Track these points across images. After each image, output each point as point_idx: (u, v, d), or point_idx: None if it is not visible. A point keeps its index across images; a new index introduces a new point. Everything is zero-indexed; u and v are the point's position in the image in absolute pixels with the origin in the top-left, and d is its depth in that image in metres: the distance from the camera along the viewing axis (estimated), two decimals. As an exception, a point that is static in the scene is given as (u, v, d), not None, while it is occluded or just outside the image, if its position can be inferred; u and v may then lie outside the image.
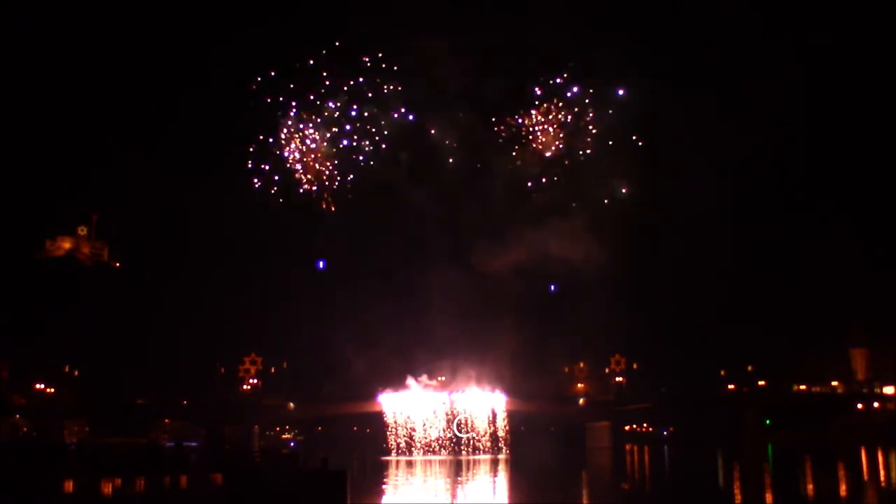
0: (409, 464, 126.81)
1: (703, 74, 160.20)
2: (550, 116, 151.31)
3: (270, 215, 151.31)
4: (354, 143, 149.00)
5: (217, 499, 56.44)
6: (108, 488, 49.87)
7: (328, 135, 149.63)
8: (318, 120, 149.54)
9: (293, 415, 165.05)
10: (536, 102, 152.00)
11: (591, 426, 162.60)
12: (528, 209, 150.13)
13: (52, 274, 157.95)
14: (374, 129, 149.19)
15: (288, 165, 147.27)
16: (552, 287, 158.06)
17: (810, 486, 79.23)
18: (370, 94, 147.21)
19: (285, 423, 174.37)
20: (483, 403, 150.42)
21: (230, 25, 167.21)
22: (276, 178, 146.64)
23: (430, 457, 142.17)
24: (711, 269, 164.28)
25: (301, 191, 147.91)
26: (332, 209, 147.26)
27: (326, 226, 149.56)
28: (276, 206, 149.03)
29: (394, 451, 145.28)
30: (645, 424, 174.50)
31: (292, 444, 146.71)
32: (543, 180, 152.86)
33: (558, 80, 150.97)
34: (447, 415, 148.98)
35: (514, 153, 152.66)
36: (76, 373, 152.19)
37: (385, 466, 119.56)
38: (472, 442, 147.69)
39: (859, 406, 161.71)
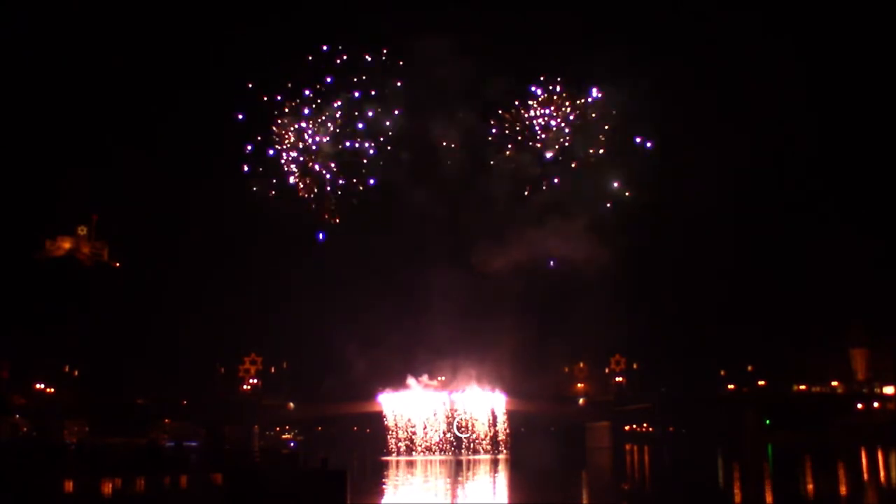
0: (410, 464, 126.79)
1: (703, 74, 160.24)
2: (550, 116, 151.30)
3: (270, 216, 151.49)
4: (357, 145, 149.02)
5: (217, 499, 56.44)
6: (108, 488, 49.86)
7: (328, 136, 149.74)
8: (318, 120, 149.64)
9: (293, 415, 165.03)
10: (536, 103, 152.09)
11: (591, 426, 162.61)
12: (529, 209, 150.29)
13: (52, 274, 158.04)
14: (375, 129, 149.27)
15: (285, 168, 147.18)
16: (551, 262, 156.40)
17: (810, 486, 79.22)
18: (373, 93, 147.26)
19: (285, 423, 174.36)
20: (483, 403, 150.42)
21: (230, 25, 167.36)
22: (274, 182, 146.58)
23: (430, 457, 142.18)
24: (711, 269, 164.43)
25: (301, 196, 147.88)
26: (336, 220, 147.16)
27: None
28: (276, 208, 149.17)
29: (394, 451, 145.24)
30: (645, 424, 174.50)
31: (292, 444, 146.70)
32: (543, 181, 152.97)
33: (558, 80, 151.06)
34: (447, 415, 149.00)
35: (514, 153, 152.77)
36: (76, 373, 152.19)
37: (385, 466, 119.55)
38: (472, 442, 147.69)
39: (859, 406, 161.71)
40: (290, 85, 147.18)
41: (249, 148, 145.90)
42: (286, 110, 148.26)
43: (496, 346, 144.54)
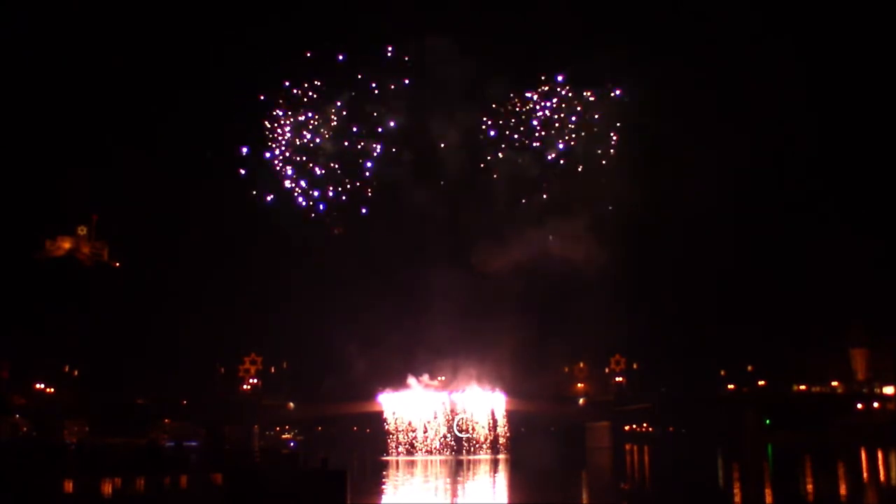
0: (410, 464, 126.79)
1: (703, 74, 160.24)
2: (550, 114, 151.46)
3: (270, 218, 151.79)
4: (361, 146, 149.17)
5: (217, 499, 56.44)
6: (108, 488, 49.82)
7: (328, 136, 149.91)
8: (318, 120, 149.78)
9: (293, 415, 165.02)
10: (536, 100, 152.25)
11: (591, 426, 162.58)
12: (529, 209, 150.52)
13: (52, 274, 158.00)
14: (377, 129, 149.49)
15: (284, 171, 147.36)
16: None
17: (810, 486, 79.22)
18: (375, 92, 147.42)
19: (285, 423, 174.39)
20: (483, 403, 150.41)
21: (230, 25, 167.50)
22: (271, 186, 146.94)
23: (430, 457, 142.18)
24: (711, 269, 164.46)
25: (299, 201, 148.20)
26: (340, 231, 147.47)
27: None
28: (275, 211, 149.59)
29: (394, 451, 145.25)
30: (645, 424, 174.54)
31: (292, 444, 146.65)
32: (544, 182, 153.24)
33: (558, 79, 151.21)
34: (447, 415, 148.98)
35: (514, 153, 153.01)
36: (76, 373, 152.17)
37: (385, 466, 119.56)
38: (471, 442, 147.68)
39: (859, 406, 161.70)
40: (288, 84, 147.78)
41: (245, 150, 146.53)
42: (286, 112, 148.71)
43: (496, 346, 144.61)
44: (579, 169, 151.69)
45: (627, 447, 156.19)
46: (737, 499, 70.51)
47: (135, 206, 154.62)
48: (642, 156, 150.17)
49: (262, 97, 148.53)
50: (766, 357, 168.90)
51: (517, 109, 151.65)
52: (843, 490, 74.72)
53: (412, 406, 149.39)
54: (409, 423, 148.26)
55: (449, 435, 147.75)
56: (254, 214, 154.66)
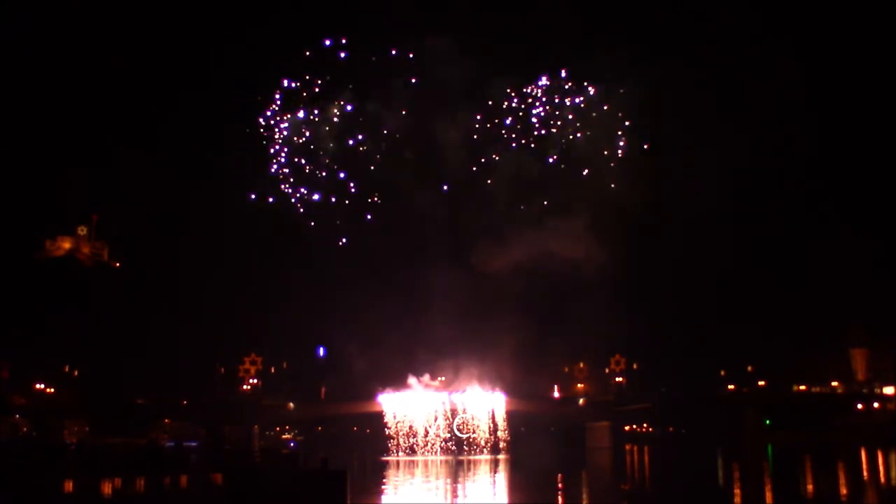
0: (410, 464, 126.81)
1: (703, 74, 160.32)
2: (550, 113, 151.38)
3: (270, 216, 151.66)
4: (362, 148, 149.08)
5: (217, 499, 56.43)
6: (108, 488, 49.80)
7: (328, 137, 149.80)
8: (318, 120, 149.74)
9: (293, 415, 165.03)
10: (537, 102, 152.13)
11: (591, 426, 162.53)
12: (529, 209, 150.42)
13: (52, 274, 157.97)
14: (378, 128, 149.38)
15: (282, 172, 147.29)
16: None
17: (810, 486, 79.22)
18: (375, 92, 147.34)
19: (285, 423, 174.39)
20: (483, 403, 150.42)
21: (231, 25, 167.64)
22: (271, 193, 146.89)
23: (431, 457, 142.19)
24: (711, 269, 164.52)
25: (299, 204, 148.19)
26: (344, 240, 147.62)
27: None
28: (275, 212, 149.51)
29: (394, 451, 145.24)
30: (645, 424, 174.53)
31: (292, 444, 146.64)
32: (544, 181, 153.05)
33: (558, 79, 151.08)
34: (447, 415, 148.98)
35: (515, 152, 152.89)
36: (76, 373, 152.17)
37: (385, 466, 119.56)
38: (471, 442, 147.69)
39: (859, 406, 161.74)
40: (287, 84, 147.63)
41: (245, 150, 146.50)
42: (285, 112, 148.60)
43: (496, 347, 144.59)
44: (580, 168, 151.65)
45: (627, 447, 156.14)
46: (737, 499, 70.50)
47: (135, 206, 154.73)
48: (643, 155, 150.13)
49: (260, 97, 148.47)
50: (766, 357, 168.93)
51: (515, 106, 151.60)
52: (843, 490, 74.70)
53: (412, 406, 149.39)
54: (410, 424, 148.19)
55: (449, 435, 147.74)
56: (254, 214, 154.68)
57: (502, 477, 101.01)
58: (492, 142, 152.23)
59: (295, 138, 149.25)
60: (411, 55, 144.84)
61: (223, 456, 66.92)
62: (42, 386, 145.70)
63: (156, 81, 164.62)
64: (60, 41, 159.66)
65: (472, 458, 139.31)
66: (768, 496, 73.06)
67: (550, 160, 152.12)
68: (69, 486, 48.35)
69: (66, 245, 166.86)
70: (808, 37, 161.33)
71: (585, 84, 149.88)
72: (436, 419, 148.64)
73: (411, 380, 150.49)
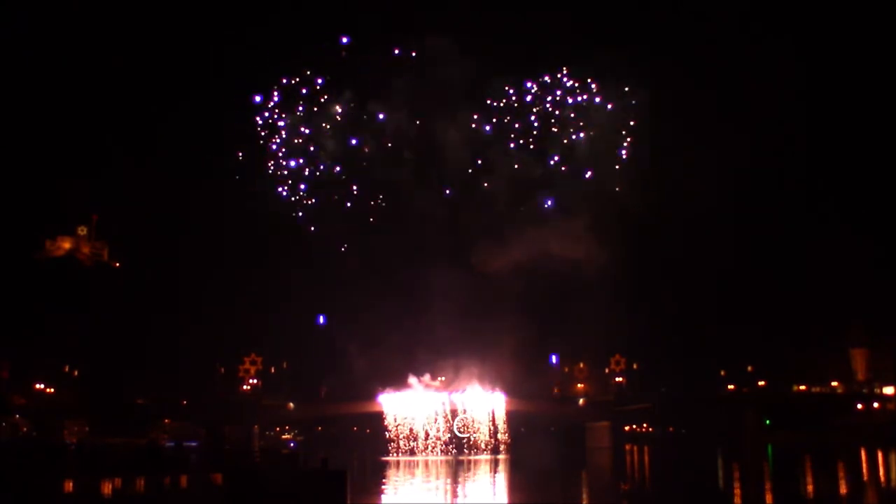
0: (410, 464, 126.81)
1: (703, 74, 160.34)
2: (551, 109, 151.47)
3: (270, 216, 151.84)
4: (366, 149, 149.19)
5: (217, 499, 56.44)
6: (108, 488, 49.81)
7: (329, 137, 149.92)
8: (318, 120, 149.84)
9: (293, 415, 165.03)
10: (537, 102, 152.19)
11: (591, 426, 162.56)
12: (529, 209, 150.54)
13: (52, 274, 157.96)
14: (378, 128, 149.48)
15: (280, 173, 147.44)
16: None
17: (810, 486, 79.22)
18: (375, 92, 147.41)
19: (285, 423, 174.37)
20: (483, 403, 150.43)
21: (231, 25, 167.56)
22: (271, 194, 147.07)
23: (431, 457, 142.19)
24: (711, 269, 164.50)
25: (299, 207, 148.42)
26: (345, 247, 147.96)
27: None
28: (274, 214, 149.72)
29: (394, 452, 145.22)
30: (645, 424, 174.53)
31: (292, 444, 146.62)
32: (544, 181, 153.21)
33: (559, 79, 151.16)
34: (447, 415, 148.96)
35: (515, 153, 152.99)
36: (76, 373, 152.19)
37: (385, 466, 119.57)
38: (472, 442, 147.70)
39: (859, 406, 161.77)
40: (287, 84, 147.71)
41: (245, 150, 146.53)
42: (285, 112, 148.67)
43: (496, 347, 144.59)
44: (581, 168, 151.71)
45: (627, 447, 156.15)
46: (737, 499, 70.50)
47: (135, 206, 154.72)
48: (644, 156, 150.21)
49: (259, 97, 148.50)
50: (766, 357, 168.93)
51: (515, 106, 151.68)
52: (843, 490, 74.70)
53: (412, 406, 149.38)
54: (410, 425, 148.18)
55: (449, 435, 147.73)
56: (254, 214, 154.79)
57: (502, 477, 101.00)
58: (492, 142, 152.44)
59: (294, 139, 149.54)
60: (411, 55, 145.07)
61: (223, 456, 66.94)
62: (42, 386, 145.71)
63: (155, 81, 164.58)
64: (60, 41, 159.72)
65: (472, 458, 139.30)
66: (768, 496, 73.07)
67: (551, 160, 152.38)
68: (69, 486, 48.37)
69: (66, 245, 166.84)
70: (808, 37, 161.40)
71: (587, 83, 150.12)
72: (436, 419, 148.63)
73: (412, 379, 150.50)
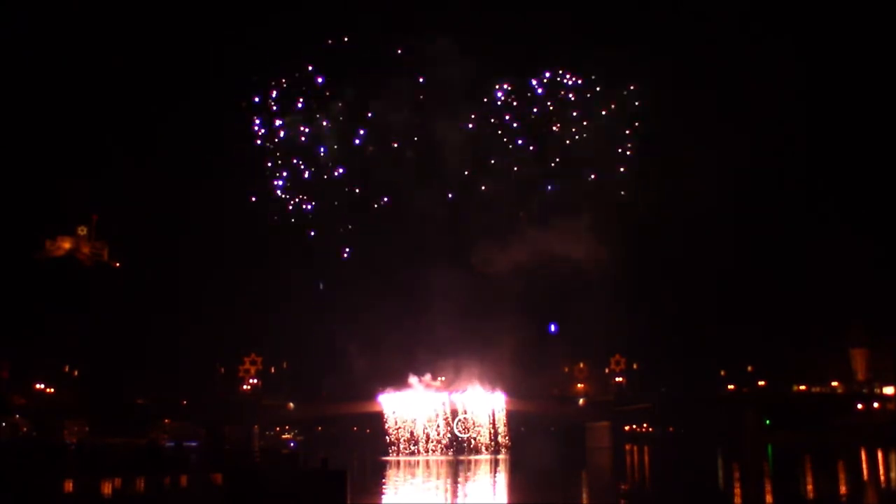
0: (410, 464, 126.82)
1: (703, 74, 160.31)
2: (551, 114, 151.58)
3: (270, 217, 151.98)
4: (370, 148, 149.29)
5: (217, 499, 56.44)
6: (108, 488, 49.79)
7: (329, 137, 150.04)
8: (319, 119, 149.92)
9: (293, 415, 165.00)
10: (537, 101, 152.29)
11: (591, 426, 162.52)
12: (530, 208, 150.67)
13: (52, 274, 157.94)
14: (378, 128, 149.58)
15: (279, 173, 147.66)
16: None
17: (810, 486, 79.23)
18: (376, 92, 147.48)
19: (285, 423, 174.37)
20: (483, 403, 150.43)
21: (231, 24, 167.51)
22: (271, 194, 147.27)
23: (431, 457, 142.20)
24: (711, 269, 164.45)
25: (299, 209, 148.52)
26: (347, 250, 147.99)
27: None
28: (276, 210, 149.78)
29: (394, 452, 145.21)
30: (645, 424, 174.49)
31: (292, 444, 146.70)
32: (545, 180, 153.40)
33: (559, 78, 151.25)
34: (446, 415, 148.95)
35: (516, 153, 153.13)
36: (76, 373, 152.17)
37: (385, 466, 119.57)
38: (472, 442, 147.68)
39: (859, 406, 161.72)
40: (287, 83, 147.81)
41: (244, 151, 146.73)
42: (285, 112, 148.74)
43: (496, 346, 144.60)
44: (582, 168, 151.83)
45: (627, 447, 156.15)
46: (737, 499, 70.53)
47: (135, 206, 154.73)
48: (645, 156, 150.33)
49: (259, 97, 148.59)
50: (766, 357, 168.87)
51: (516, 105, 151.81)
52: (843, 490, 74.70)
53: (412, 406, 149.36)
54: (410, 425, 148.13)
55: (449, 435, 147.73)
56: (254, 214, 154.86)
57: (502, 477, 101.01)
58: (492, 141, 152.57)
59: (294, 139, 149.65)
60: (411, 55, 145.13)
61: (223, 456, 66.94)
62: (42, 386, 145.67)
63: (155, 82, 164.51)
64: (60, 41, 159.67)
65: (472, 458, 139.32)
66: (768, 496, 73.08)
67: (551, 160, 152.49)
68: (69, 486, 48.34)
69: (66, 245, 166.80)
70: (808, 37, 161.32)
71: (587, 83, 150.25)
72: (436, 419, 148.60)
73: (412, 379, 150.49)
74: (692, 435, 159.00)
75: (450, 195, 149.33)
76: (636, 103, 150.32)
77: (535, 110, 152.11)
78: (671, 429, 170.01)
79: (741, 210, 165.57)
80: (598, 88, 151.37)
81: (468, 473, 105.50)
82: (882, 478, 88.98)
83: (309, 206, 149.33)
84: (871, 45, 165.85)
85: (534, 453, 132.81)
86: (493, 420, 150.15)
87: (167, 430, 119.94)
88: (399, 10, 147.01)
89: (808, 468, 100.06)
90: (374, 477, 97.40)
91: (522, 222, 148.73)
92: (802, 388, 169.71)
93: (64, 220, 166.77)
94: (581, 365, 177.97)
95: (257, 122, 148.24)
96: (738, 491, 76.32)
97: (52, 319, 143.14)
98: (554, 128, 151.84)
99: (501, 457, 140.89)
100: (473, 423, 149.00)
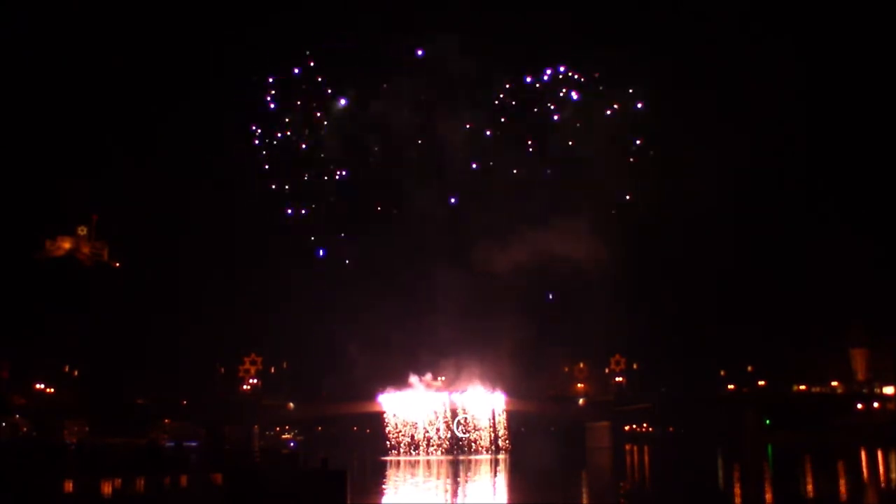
0: (410, 464, 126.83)
1: (703, 74, 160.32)
2: (552, 114, 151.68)
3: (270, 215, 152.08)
4: (367, 149, 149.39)
5: (217, 499, 56.43)
6: (108, 488, 49.78)
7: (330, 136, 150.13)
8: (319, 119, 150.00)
9: (293, 415, 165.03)
10: (538, 101, 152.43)
11: (591, 426, 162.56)
12: (531, 208, 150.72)
13: (52, 274, 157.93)
14: (379, 128, 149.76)
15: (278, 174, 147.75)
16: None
17: (810, 486, 79.21)
18: (377, 92, 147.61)
19: (285, 423, 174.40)
20: (483, 403, 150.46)
21: (231, 24, 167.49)
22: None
23: (431, 457, 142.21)
24: (711, 269, 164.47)
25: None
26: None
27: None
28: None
29: (394, 451, 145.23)
30: (645, 424, 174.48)
31: (292, 444, 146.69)
32: (545, 179, 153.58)
33: (559, 79, 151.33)
34: (446, 415, 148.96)
35: (516, 152, 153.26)
36: (76, 373, 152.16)
37: (385, 466, 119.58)
38: (472, 442, 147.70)
39: (859, 406, 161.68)
40: (287, 84, 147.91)
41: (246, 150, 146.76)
42: (285, 112, 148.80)
43: (496, 346, 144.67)
44: (582, 168, 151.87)
45: (627, 447, 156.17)
46: (737, 499, 70.50)
47: (135, 206, 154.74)
48: (643, 155, 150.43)
49: (259, 97, 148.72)
50: (766, 357, 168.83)
51: (516, 105, 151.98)
52: (843, 490, 74.68)
53: (412, 406, 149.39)
54: (410, 425, 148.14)
55: (449, 435, 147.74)
56: (254, 215, 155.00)
57: (502, 477, 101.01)
58: (493, 141, 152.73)
59: (295, 139, 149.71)
60: (412, 55, 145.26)
61: (223, 456, 66.92)
62: (42, 386, 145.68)
63: (155, 82, 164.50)
64: (60, 41, 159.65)
65: (472, 457, 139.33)
66: (768, 496, 73.06)
67: (552, 160, 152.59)
68: (69, 486, 48.32)
69: (66, 245, 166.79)
70: (808, 37, 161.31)
71: (587, 83, 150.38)
72: (436, 419, 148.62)
73: (412, 379, 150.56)
74: (692, 435, 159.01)
75: (451, 196, 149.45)
76: (637, 104, 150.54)
77: (535, 110, 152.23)
78: (671, 429, 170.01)
79: (741, 210, 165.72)
80: (600, 87, 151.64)
81: (468, 473, 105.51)
82: (882, 478, 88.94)
83: (305, 211, 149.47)
84: (871, 45, 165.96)
85: (534, 453, 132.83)
86: (494, 420, 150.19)
87: (167, 430, 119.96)
88: (399, 10, 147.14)
89: (808, 468, 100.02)
90: (374, 477, 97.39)
91: (522, 222, 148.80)
92: (802, 388, 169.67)
93: (64, 220, 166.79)
94: (581, 365, 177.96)
95: (257, 122, 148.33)
96: (738, 491, 76.30)
97: (52, 319, 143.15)
98: (555, 127, 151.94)
99: (501, 457, 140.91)
100: (474, 424, 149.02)
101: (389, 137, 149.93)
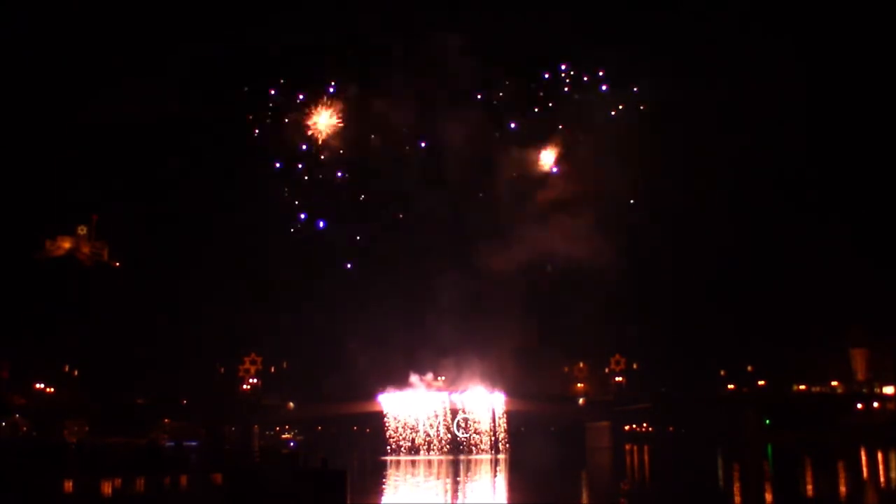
0: (410, 464, 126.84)
1: (703, 74, 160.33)
2: (553, 113, 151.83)
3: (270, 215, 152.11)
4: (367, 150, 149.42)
5: (217, 499, 56.45)
6: (108, 488, 49.84)
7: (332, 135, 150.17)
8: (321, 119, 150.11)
9: (293, 414, 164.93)
10: (538, 101, 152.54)
11: (591, 426, 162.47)
12: (533, 208, 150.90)
13: (52, 274, 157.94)
14: (380, 128, 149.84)
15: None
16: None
17: (810, 486, 79.23)
18: (378, 92, 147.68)
19: (285, 423, 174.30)
20: (483, 403, 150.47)
21: (230, 25, 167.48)
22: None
23: (430, 457, 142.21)
24: (711, 268, 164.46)
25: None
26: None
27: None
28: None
29: (394, 451, 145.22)
30: (645, 424, 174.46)
31: (292, 443, 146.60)
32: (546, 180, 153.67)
33: (559, 78, 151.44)
34: (446, 415, 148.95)
35: (517, 152, 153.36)
36: (76, 373, 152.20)
37: (385, 466, 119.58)
38: (472, 442, 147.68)
39: (859, 406, 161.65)
40: (286, 84, 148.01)
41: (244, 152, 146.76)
42: (285, 112, 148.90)
43: (496, 346, 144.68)
44: (583, 168, 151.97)
45: (627, 447, 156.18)
46: (737, 499, 70.53)
47: (135, 206, 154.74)
48: (643, 155, 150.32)
49: (259, 97, 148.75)
50: (766, 357, 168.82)
51: (517, 105, 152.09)
52: (843, 490, 74.70)
53: (412, 406, 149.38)
54: (411, 425, 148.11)
55: (449, 435, 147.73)
56: (254, 215, 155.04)
57: (502, 477, 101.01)
58: (493, 141, 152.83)
59: (295, 138, 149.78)
60: (413, 55, 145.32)
61: (223, 456, 67.02)
62: (42, 386, 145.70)
63: (155, 81, 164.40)
64: (60, 41, 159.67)
65: (472, 457, 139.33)
66: (768, 496, 73.08)
67: (553, 159, 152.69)
68: (69, 486, 48.38)
69: (66, 245, 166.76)
70: (808, 37, 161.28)
71: (587, 83, 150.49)
72: (436, 418, 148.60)
73: (413, 378, 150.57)
74: (692, 435, 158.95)
75: (451, 196, 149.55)
76: (639, 106, 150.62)
77: (535, 110, 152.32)
78: (671, 429, 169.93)
79: (741, 210, 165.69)
80: (603, 87, 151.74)
81: (468, 473, 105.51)
82: (882, 478, 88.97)
83: (304, 215, 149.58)
84: (871, 45, 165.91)
85: (534, 453, 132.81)
86: (494, 420, 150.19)
87: (167, 430, 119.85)
88: (399, 10, 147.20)
89: (808, 468, 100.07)
90: (374, 477, 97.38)
91: (523, 222, 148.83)
92: (802, 388, 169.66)
93: (64, 220, 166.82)
94: (581, 365, 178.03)
95: (259, 121, 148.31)
96: (738, 491, 76.31)
97: (52, 319, 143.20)
98: (556, 128, 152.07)
99: (501, 457, 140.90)
100: (474, 424, 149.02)
101: (390, 137, 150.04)
